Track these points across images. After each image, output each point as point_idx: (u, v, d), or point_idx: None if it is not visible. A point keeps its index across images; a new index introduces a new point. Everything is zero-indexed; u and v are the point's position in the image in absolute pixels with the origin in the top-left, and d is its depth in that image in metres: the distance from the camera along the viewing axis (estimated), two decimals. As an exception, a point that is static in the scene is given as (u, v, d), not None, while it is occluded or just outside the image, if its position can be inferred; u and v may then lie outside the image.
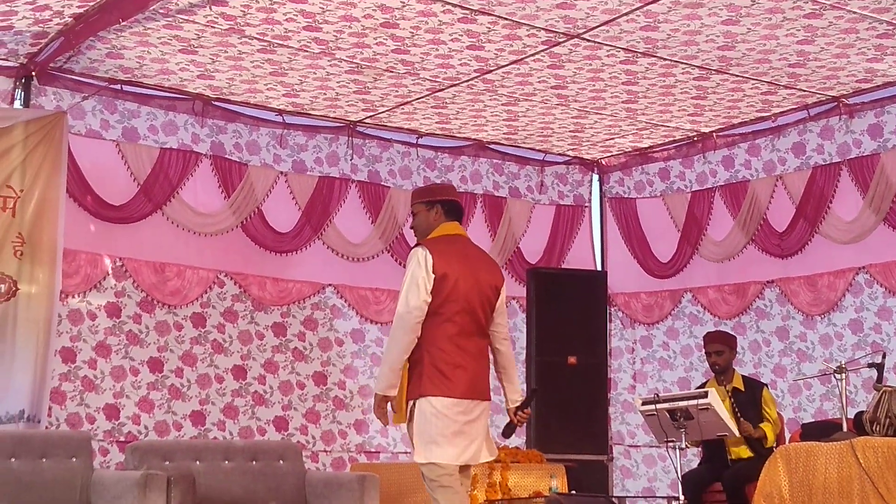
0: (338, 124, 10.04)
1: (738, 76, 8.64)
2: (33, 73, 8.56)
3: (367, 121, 10.00)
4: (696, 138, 10.35)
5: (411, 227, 6.29)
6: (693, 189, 10.63)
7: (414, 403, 5.80)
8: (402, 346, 5.80)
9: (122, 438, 8.81)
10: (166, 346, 9.24)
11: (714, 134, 10.22)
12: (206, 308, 9.48)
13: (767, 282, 10.12)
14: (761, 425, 8.12)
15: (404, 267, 9.81)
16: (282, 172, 9.87)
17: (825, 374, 8.19)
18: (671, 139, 10.49)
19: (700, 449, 8.57)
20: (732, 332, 9.22)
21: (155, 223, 9.27)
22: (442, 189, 6.39)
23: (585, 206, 11.42)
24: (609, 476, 10.22)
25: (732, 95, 9.14)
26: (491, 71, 8.57)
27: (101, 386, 8.88)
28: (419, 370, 5.84)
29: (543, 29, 7.72)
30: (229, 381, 9.47)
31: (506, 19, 7.55)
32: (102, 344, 8.95)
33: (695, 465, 8.58)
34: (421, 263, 5.89)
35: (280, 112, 9.67)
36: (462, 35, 7.85)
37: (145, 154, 9.22)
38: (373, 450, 10.09)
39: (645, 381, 10.95)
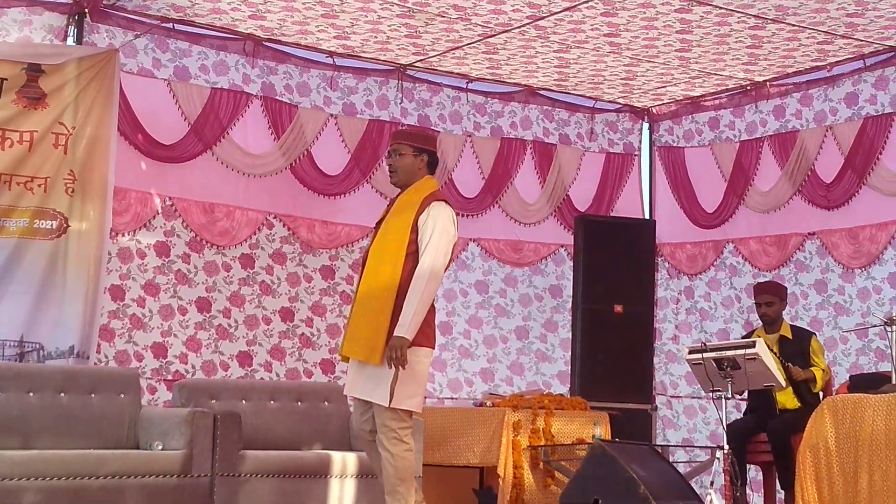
0: (388, 67, 9.99)
1: (794, 25, 8.53)
2: (86, 10, 8.56)
3: (417, 64, 9.95)
4: (749, 87, 10.24)
5: (388, 165, 6.28)
6: (742, 139, 10.52)
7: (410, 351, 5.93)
8: (432, 297, 6.00)
9: (169, 377, 8.90)
10: (214, 287, 9.29)
11: (768, 83, 10.10)
12: (254, 249, 9.50)
13: (809, 234, 10.04)
14: (812, 368, 8.12)
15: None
16: (332, 115, 9.84)
17: (874, 326, 8.14)
18: (724, 88, 10.38)
19: (746, 399, 8.56)
20: (783, 283, 9.18)
21: (205, 163, 9.28)
22: (431, 139, 6.49)
23: (635, 155, 11.34)
24: (652, 425, 10.20)
25: (788, 45, 9.03)
26: (543, 17, 8.49)
27: (149, 324, 8.94)
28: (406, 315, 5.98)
29: (598, -25, 7.68)
30: (277, 322, 9.51)
31: (560, -34, 7.50)
32: (151, 283, 9.00)
33: (736, 416, 8.57)
34: (454, 223, 6.13)
35: (330, 54, 9.64)
36: (516, -19, 7.81)
37: (196, 94, 9.22)
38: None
39: (689, 331, 10.90)
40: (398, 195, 6.33)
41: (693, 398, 10.66)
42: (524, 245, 10.82)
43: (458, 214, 10.00)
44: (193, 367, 9.08)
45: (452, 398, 10.08)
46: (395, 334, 5.90)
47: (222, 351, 9.25)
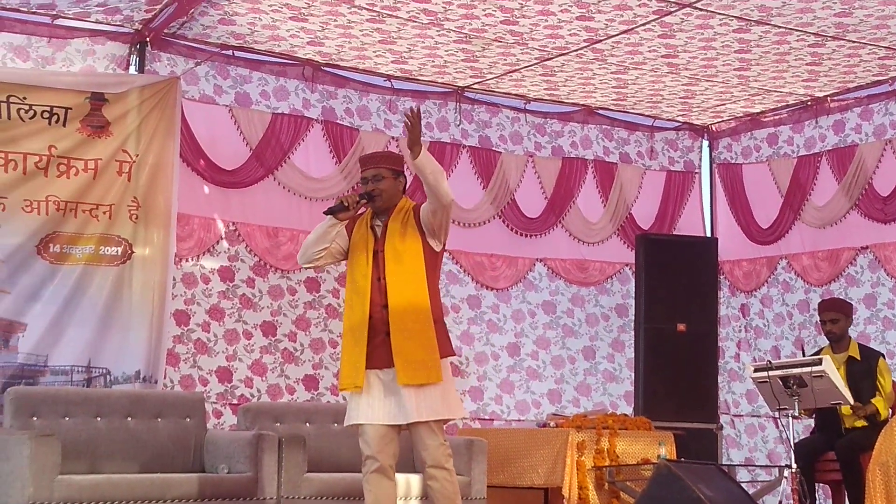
0: (445, 90, 10.04)
1: (854, 42, 8.48)
2: (147, 40, 8.68)
3: (474, 86, 9.99)
4: (809, 103, 10.17)
5: (370, 191, 6.03)
6: (800, 154, 10.46)
7: (441, 363, 5.93)
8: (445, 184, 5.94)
9: (234, 401, 8.94)
10: (280, 311, 9.32)
11: (828, 98, 10.03)
12: (319, 273, 9.51)
13: (861, 248, 9.98)
14: (872, 400, 8.01)
15: (517, 233, 10.38)
16: (393, 137, 9.86)
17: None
18: (784, 104, 10.33)
19: (812, 418, 8.49)
20: (848, 300, 9.11)
21: (267, 188, 9.34)
22: (402, 160, 6.34)
23: (695, 173, 11.31)
24: (718, 445, 10.14)
25: (848, 61, 8.98)
26: (601, 41, 8.52)
27: (214, 349, 9.00)
28: (442, 329, 6.02)
29: (655, -2, 7.67)
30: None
31: (616, -12, 7.51)
32: (216, 307, 9.06)
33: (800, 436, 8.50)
34: None
35: (388, 77, 9.70)
36: (571, 6, 7.81)
37: (257, 119, 9.30)
38: (487, 417, 10.13)
39: (748, 349, 10.84)
40: (367, 215, 6.16)
41: (752, 416, 10.59)
42: (590, 264, 10.81)
43: (520, 234, 10.41)
44: (259, 391, 9.12)
45: (521, 420, 10.04)
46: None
47: (288, 375, 9.28)
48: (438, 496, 5.94)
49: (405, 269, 5.95)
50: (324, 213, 6.10)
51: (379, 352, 5.89)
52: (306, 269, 6.54)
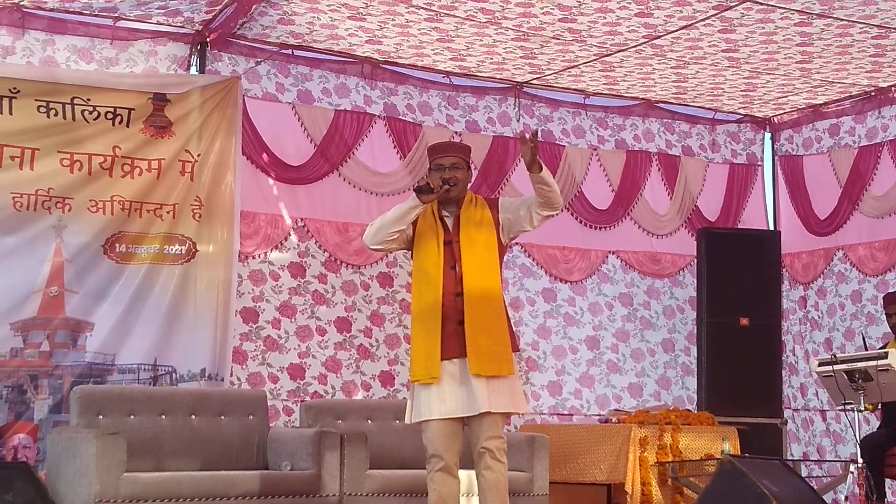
0: (504, 85, 10.03)
1: (919, 32, 8.39)
2: (208, 40, 8.75)
3: (533, 82, 9.98)
4: (873, 93, 10.06)
5: (448, 178, 6.00)
6: (861, 144, 10.36)
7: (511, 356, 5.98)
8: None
9: (307, 398, 8.90)
10: (354, 306, 9.34)
11: (892, 88, 9.91)
12: (392, 268, 9.54)
13: (920, 237, 9.90)
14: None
15: (587, 226, 10.43)
16: (456, 132, 9.86)
17: None
18: (847, 95, 10.21)
19: (875, 413, 8.43)
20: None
21: (333, 184, 9.36)
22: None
23: (758, 165, 11.23)
24: (784, 439, 10.06)
25: (912, 51, 8.88)
26: (660, 37, 8.48)
27: (285, 346, 8.99)
28: (510, 323, 6.06)
29: (714, -7, 7.63)
30: None
31: (675, -15, 7.48)
32: (287, 304, 9.06)
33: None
34: None
35: (447, 74, 9.73)
36: (630, 3, 7.79)
37: (320, 116, 9.34)
38: (566, 412, 10.11)
39: (801, 342, 10.76)
40: (431, 205, 6.11)
41: (807, 410, 10.55)
42: (661, 256, 10.78)
43: (591, 227, 10.43)
44: (333, 387, 9.11)
45: (599, 415, 9.95)
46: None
47: (364, 371, 9.28)
48: (492, 486, 5.92)
49: (481, 259, 5.98)
50: (412, 188, 6.22)
51: (450, 341, 5.88)
52: (374, 250, 6.50)
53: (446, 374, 5.87)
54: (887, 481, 8.42)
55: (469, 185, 6.20)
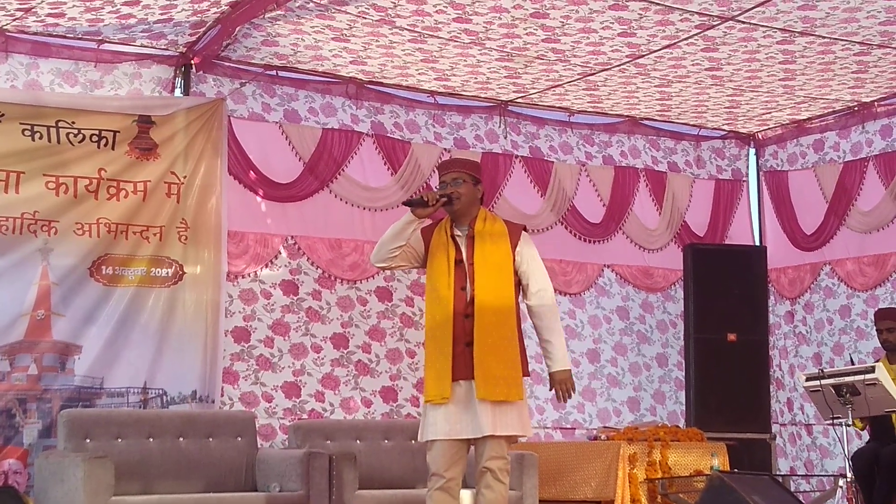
0: (489, 104, 10.05)
1: (901, 49, 8.43)
2: (192, 62, 8.74)
3: (518, 101, 10.00)
4: (856, 108, 10.10)
5: (449, 193, 5.98)
6: (846, 160, 10.39)
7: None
8: None
9: (304, 416, 8.86)
10: (351, 322, 9.30)
11: (875, 103, 9.95)
12: (390, 281, 9.49)
13: (909, 252, 9.92)
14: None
15: (582, 239, 10.38)
16: (445, 149, 9.86)
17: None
18: (830, 110, 10.24)
19: (866, 429, 8.44)
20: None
21: (324, 201, 9.31)
22: (481, 171, 6.36)
23: (743, 181, 11.27)
24: (772, 455, 10.07)
25: (895, 68, 8.88)
26: (643, 56, 8.52)
27: (279, 364, 8.93)
28: (523, 347, 5.99)
29: (697, 13, 7.64)
30: (421, 355, 9.33)
31: (658, 4, 7.48)
32: (279, 322, 9.01)
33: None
34: None
35: (432, 93, 9.74)
36: (613, 22, 7.81)
37: (308, 134, 9.31)
38: (569, 426, 10.11)
39: (785, 356, 10.78)
40: (444, 223, 6.12)
41: (794, 425, 10.56)
42: (654, 271, 10.80)
43: (585, 240, 10.45)
44: (331, 405, 9.06)
45: (605, 427, 9.91)
46: (559, 369, 5.95)
47: (363, 387, 9.22)
48: None
49: (492, 280, 5.91)
50: (403, 203, 6.14)
51: (459, 362, 5.83)
52: (380, 268, 6.41)
53: (455, 395, 5.84)
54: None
55: (479, 201, 6.14)
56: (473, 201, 6.06)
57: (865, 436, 8.62)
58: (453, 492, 5.91)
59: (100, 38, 8.28)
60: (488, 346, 5.81)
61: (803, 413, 10.41)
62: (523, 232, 6.12)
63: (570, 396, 5.94)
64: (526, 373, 5.94)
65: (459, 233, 6.03)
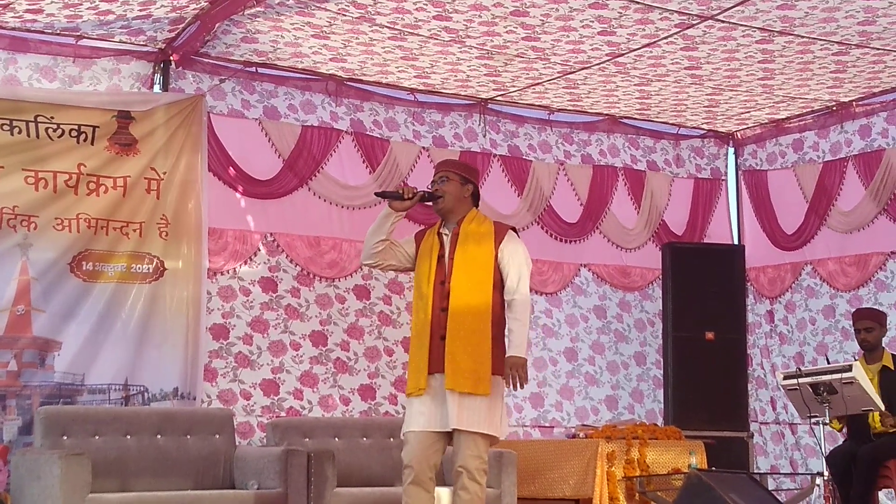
0: (469, 102, 10.06)
1: (879, 49, 8.44)
2: (171, 58, 8.72)
3: (498, 98, 10.02)
4: (834, 108, 10.14)
5: (434, 191, 6.14)
6: (825, 160, 10.43)
7: (493, 379, 5.92)
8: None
9: (282, 413, 8.85)
10: (329, 320, 9.29)
11: (854, 103, 10.00)
12: (368, 280, 9.49)
13: (890, 252, 9.91)
14: (901, 412, 7.99)
15: (558, 239, 10.39)
16: (424, 148, 9.88)
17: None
18: (808, 110, 10.29)
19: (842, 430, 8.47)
20: (882, 309, 9.07)
21: (303, 199, 9.31)
22: (476, 173, 6.47)
23: (722, 180, 11.30)
24: (750, 453, 10.09)
25: (873, 67, 8.94)
26: (623, 55, 8.54)
27: (258, 361, 8.91)
28: (500, 347, 6.01)
29: (676, 12, 7.67)
30: (399, 353, 9.38)
31: (638, 3, 7.51)
32: (258, 319, 8.99)
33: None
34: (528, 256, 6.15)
35: (411, 91, 9.73)
36: (593, 21, 7.83)
37: (288, 131, 9.31)
38: (548, 424, 10.12)
39: (768, 356, 10.81)
40: (436, 226, 6.25)
41: (775, 424, 10.60)
42: (631, 270, 10.82)
43: (561, 240, 10.45)
44: (310, 402, 9.05)
45: (584, 425, 9.94)
46: (513, 354, 5.94)
47: (342, 385, 9.21)
48: None
49: (471, 276, 5.99)
50: (374, 193, 6.26)
51: (434, 356, 5.91)
52: (370, 267, 6.45)
53: (430, 388, 5.92)
54: (882, 493, 8.41)
55: (469, 199, 6.21)
56: (460, 200, 6.14)
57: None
58: (426, 485, 5.94)
59: (78, 33, 8.24)
60: (460, 339, 5.89)
61: (787, 412, 10.43)
62: (510, 231, 6.17)
63: (520, 385, 5.94)
64: (499, 371, 5.95)
65: (446, 231, 6.13)
